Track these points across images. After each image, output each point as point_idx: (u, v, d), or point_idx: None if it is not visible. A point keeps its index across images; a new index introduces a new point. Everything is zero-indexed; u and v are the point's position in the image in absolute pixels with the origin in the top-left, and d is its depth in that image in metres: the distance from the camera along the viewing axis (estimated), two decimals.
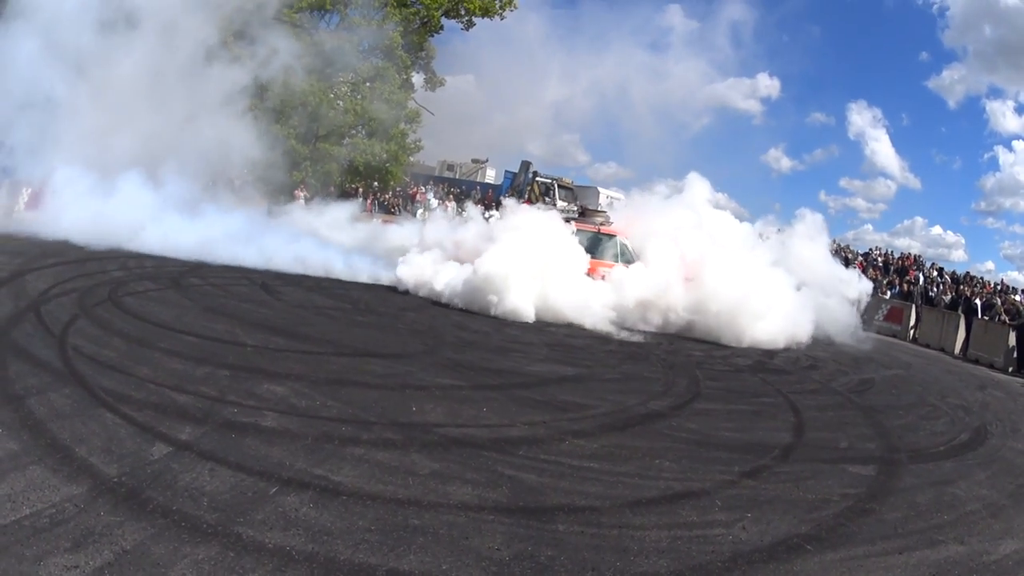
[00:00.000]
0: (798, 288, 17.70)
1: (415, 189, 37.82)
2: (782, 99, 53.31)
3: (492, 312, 14.15)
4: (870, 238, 50.08)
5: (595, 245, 17.33)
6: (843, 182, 55.89)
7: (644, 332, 14.96)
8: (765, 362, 13.75)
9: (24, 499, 4.49)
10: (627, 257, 17.26)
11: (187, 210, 18.28)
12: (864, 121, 51.27)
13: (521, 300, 14.33)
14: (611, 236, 17.70)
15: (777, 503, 5.97)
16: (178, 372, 7.39)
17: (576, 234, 16.93)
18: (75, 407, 6.08)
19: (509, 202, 18.36)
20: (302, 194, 27.83)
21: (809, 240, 19.89)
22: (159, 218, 17.30)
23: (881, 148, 50.88)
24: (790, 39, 55.97)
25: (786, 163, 53.62)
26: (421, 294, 15.52)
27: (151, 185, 18.73)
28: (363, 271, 17.19)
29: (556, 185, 22.78)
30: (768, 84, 52.08)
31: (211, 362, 7.92)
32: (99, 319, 9.41)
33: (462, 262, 15.51)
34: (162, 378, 7.08)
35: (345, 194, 31.49)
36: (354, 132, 32.18)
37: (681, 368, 11.61)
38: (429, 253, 16.63)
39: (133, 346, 8.28)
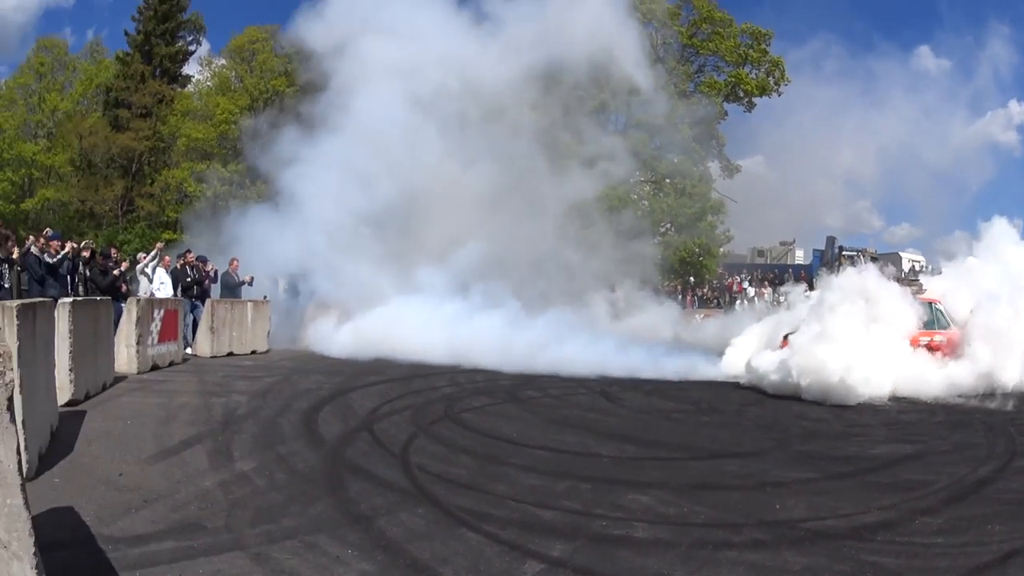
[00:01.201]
0: None
1: (731, 280, 37.68)
2: None
3: (829, 398, 13.18)
4: None
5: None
6: None
7: (982, 396, 13.88)
8: None
9: None
10: (943, 323, 15.99)
11: (508, 320, 18.37)
12: None
13: (863, 382, 13.32)
14: (928, 303, 16.24)
15: None
16: (537, 488, 7.17)
17: None
18: (431, 527, 5.92)
19: (824, 277, 17.45)
20: (620, 295, 27.68)
21: None
22: (479, 331, 17.50)
23: None
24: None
25: None
26: (757, 386, 14.69)
27: (465, 297, 19.27)
28: (695, 369, 16.55)
29: (862, 257, 21.26)
30: (1020, 111, 50.87)
31: (570, 475, 7.69)
32: (440, 436, 9.36)
33: (793, 351, 14.38)
34: (521, 495, 6.86)
35: (663, 292, 31.55)
36: (663, 229, 32.23)
37: (998, 429, 11.16)
38: (756, 344, 16.02)
39: (483, 463, 8.14)
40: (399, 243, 21.50)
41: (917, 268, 26.76)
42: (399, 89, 22.79)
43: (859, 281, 15.12)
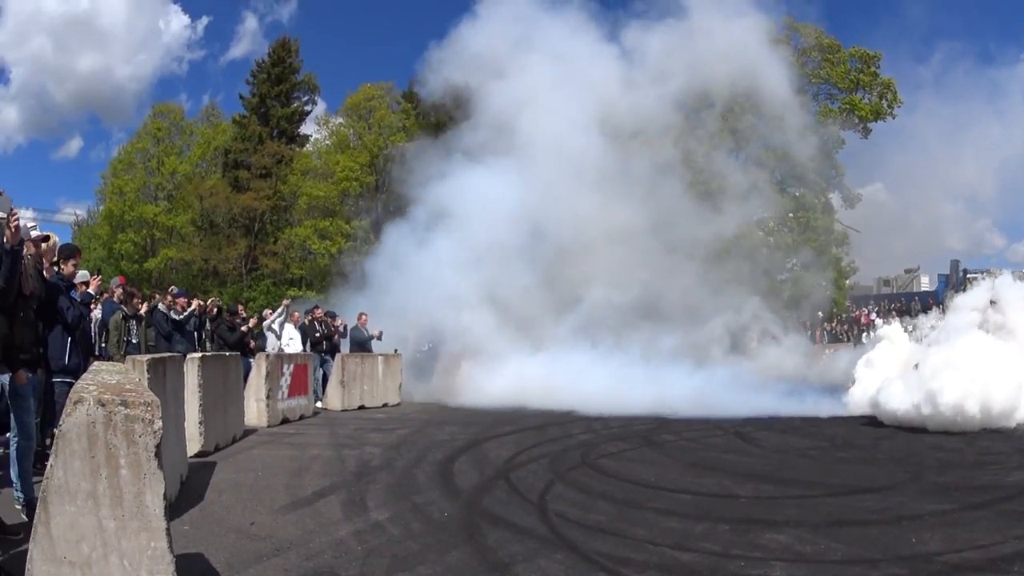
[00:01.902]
0: None
1: (858, 312, 36.81)
2: None
3: (962, 427, 12.87)
4: None
5: None
6: None
7: None
8: None
9: None
10: None
11: (640, 363, 18.41)
12: None
13: (1002, 408, 13.01)
14: None
15: None
16: (676, 531, 7.03)
17: None
18: (570, 572, 5.81)
19: (953, 299, 17.43)
20: (752, 332, 27.36)
21: None
22: (614, 378, 17.43)
23: None
24: None
25: None
26: (885, 420, 14.26)
27: (599, 342, 19.36)
28: (826, 405, 16.25)
29: (988, 277, 20.60)
30: None
31: (708, 517, 7.53)
32: (577, 483, 9.27)
33: (922, 382, 13.83)
34: (660, 538, 6.72)
35: (791, 327, 30.75)
36: (789, 265, 31.86)
37: None
38: (881, 377, 15.36)
39: (622, 508, 7.99)
40: (540, 286, 21.67)
41: None
42: (555, 123, 23.10)
43: (988, 294, 15.00)
